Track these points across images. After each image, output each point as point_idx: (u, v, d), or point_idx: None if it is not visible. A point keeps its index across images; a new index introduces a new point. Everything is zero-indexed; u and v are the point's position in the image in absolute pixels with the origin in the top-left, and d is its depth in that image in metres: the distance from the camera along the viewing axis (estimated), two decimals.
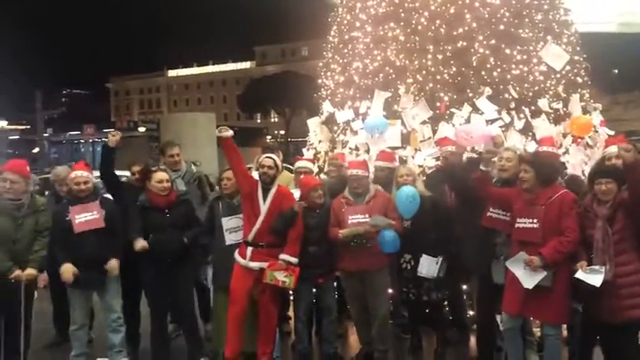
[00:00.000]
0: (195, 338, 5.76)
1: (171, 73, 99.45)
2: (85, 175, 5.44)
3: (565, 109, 7.23)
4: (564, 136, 7.06)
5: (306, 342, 5.64)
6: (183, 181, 6.32)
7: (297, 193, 5.67)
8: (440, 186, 5.76)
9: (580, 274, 4.36)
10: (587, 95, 7.69)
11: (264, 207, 5.31)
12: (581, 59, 7.78)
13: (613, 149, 5.02)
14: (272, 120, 74.08)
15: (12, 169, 5.32)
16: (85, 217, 5.33)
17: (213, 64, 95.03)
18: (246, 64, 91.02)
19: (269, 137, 64.62)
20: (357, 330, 5.81)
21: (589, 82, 7.78)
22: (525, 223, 4.62)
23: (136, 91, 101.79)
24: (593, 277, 4.31)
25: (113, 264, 5.40)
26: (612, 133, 7.77)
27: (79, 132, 48.36)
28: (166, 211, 5.51)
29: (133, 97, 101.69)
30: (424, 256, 5.42)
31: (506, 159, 5.14)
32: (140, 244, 5.32)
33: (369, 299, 5.50)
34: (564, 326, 5.18)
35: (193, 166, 6.53)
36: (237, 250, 5.41)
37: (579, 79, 7.63)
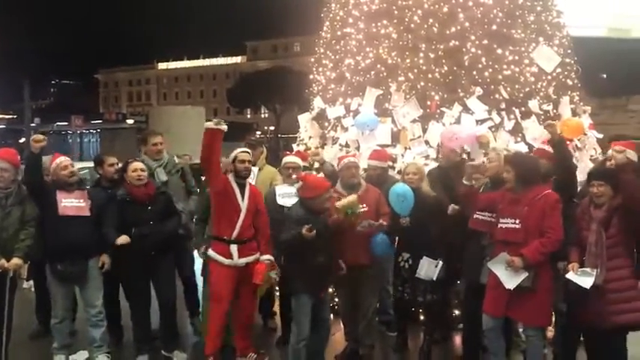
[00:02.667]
0: (172, 330, 5.75)
1: (162, 65, 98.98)
2: (69, 160, 5.46)
3: (555, 110, 7.23)
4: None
5: None
6: (165, 170, 6.22)
7: (285, 189, 5.62)
8: (437, 185, 5.77)
9: (571, 275, 4.38)
10: (577, 98, 7.71)
11: (243, 204, 5.29)
12: (572, 62, 7.79)
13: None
14: (262, 115, 73.88)
15: (2, 157, 5.25)
16: (72, 203, 5.31)
17: (204, 58, 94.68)
18: (237, 59, 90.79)
19: (259, 133, 64.47)
20: (345, 326, 5.79)
21: (579, 85, 7.80)
22: (508, 223, 4.62)
23: (125, 83, 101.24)
24: (583, 279, 4.32)
25: (105, 259, 5.40)
26: (601, 136, 7.82)
27: (66, 122, 47.80)
28: (147, 203, 5.47)
29: (122, 88, 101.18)
30: (425, 258, 5.41)
31: (488, 159, 5.18)
32: (122, 239, 5.26)
33: (362, 293, 5.50)
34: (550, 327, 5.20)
35: (176, 157, 6.47)
36: (212, 250, 5.35)
37: (569, 82, 7.65)
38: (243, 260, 5.29)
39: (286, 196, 5.68)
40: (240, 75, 70.01)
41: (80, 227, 5.28)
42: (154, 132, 6.52)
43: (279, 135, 54.56)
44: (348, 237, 5.23)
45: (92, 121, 51.08)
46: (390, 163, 6.59)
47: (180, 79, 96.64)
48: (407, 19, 7.21)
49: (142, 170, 5.49)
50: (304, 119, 8.28)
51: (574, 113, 7.45)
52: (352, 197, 5.07)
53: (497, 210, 4.75)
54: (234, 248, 5.27)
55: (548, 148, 5.43)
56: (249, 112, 76.64)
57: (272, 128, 61.20)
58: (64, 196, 5.31)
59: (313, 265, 4.93)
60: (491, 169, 5.13)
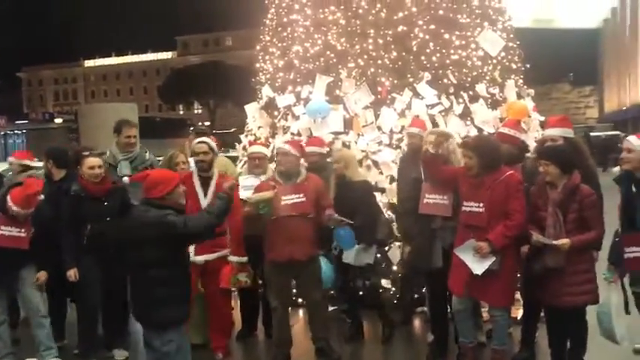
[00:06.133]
0: (115, 326, 5.52)
1: (88, 63, 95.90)
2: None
3: (501, 94, 7.35)
4: (501, 120, 7.18)
5: None
6: (132, 165, 5.93)
7: (249, 181, 5.42)
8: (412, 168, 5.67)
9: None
10: (521, 81, 7.86)
11: (205, 200, 5.04)
12: (515, 46, 7.94)
13: (549, 132, 5.13)
14: (195, 111, 72.81)
15: None
16: (10, 232, 4.91)
17: (133, 54, 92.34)
18: (167, 54, 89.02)
19: (192, 129, 63.27)
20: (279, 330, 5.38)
21: (522, 69, 7.96)
22: (472, 207, 4.58)
23: (50, 82, 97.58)
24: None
25: (42, 276, 5.12)
26: (543, 118, 8.01)
27: None
28: (103, 199, 5.20)
29: (47, 87, 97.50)
30: None
31: (429, 142, 5.01)
32: (73, 272, 5.11)
33: (302, 289, 5.35)
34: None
35: (148, 154, 6.08)
36: None
37: (513, 66, 7.79)
38: (202, 258, 5.07)
39: (250, 189, 5.40)
40: (171, 70, 68.61)
41: (14, 252, 4.94)
42: (128, 122, 6.14)
43: (215, 131, 53.80)
44: (281, 233, 4.95)
45: (17, 122, 48.98)
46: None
47: (108, 77, 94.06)
48: (354, 5, 7.17)
49: (98, 167, 5.18)
50: (252, 109, 8.09)
51: (518, 96, 7.59)
52: (268, 194, 4.81)
53: (460, 192, 4.72)
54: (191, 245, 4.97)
55: (510, 132, 5.48)
56: (181, 109, 75.42)
57: (207, 124, 60.26)
58: (3, 222, 4.91)
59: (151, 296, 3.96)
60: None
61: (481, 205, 4.52)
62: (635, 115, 42.84)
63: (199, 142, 5.22)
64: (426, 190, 5.00)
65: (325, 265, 5.32)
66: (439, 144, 4.84)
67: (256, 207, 4.80)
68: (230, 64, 59.39)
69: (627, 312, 4.58)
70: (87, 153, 5.38)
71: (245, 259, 5.17)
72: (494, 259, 4.45)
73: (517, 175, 4.62)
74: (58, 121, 47.40)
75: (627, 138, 4.44)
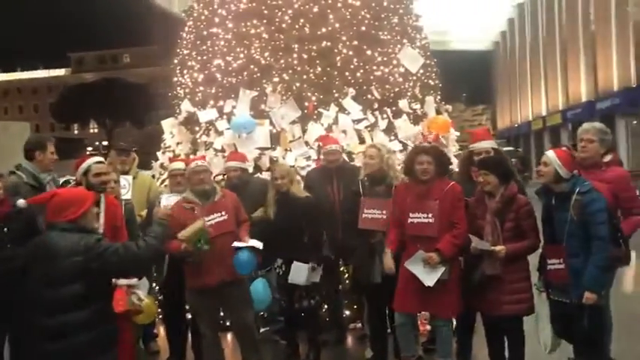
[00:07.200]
0: None
1: None
2: None
3: (422, 109, 7.49)
4: (423, 135, 7.31)
5: None
6: (54, 185, 5.36)
7: (172, 199, 5.05)
8: (323, 185, 5.63)
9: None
10: (439, 97, 8.06)
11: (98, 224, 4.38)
12: (432, 63, 8.14)
13: (481, 145, 5.22)
14: (92, 130, 69.85)
15: None
16: None
17: (22, 71, 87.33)
18: (60, 71, 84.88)
19: (90, 149, 60.74)
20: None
21: (440, 85, 8.17)
22: (420, 217, 4.58)
23: None
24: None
25: None
26: (458, 134, 8.27)
27: None
28: (2, 224, 4.64)
29: None
30: (295, 262, 5.15)
31: (369, 156, 5.15)
32: None
33: (231, 311, 5.09)
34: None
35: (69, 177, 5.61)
36: None
37: (431, 82, 7.99)
38: None
39: None
40: (64, 88, 65.44)
41: None
42: (49, 138, 5.62)
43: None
44: (209, 256, 4.61)
45: None
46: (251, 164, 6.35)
47: None
48: (277, 19, 7.09)
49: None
50: (169, 125, 7.77)
51: (437, 112, 7.78)
52: (198, 224, 4.40)
53: (404, 205, 4.69)
54: None
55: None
56: (76, 128, 72.20)
57: (104, 143, 57.92)
58: None
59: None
60: (370, 167, 5.07)
61: (430, 215, 4.53)
62: (525, 131, 45.61)
63: (99, 162, 4.75)
64: (365, 204, 4.96)
65: (262, 286, 5.10)
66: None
67: (194, 244, 4.41)
68: (128, 81, 57.52)
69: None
70: None
71: (133, 281, 4.38)
72: (444, 269, 4.46)
73: (459, 186, 4.69)
74: None
75: (545, 152, 4.57)
